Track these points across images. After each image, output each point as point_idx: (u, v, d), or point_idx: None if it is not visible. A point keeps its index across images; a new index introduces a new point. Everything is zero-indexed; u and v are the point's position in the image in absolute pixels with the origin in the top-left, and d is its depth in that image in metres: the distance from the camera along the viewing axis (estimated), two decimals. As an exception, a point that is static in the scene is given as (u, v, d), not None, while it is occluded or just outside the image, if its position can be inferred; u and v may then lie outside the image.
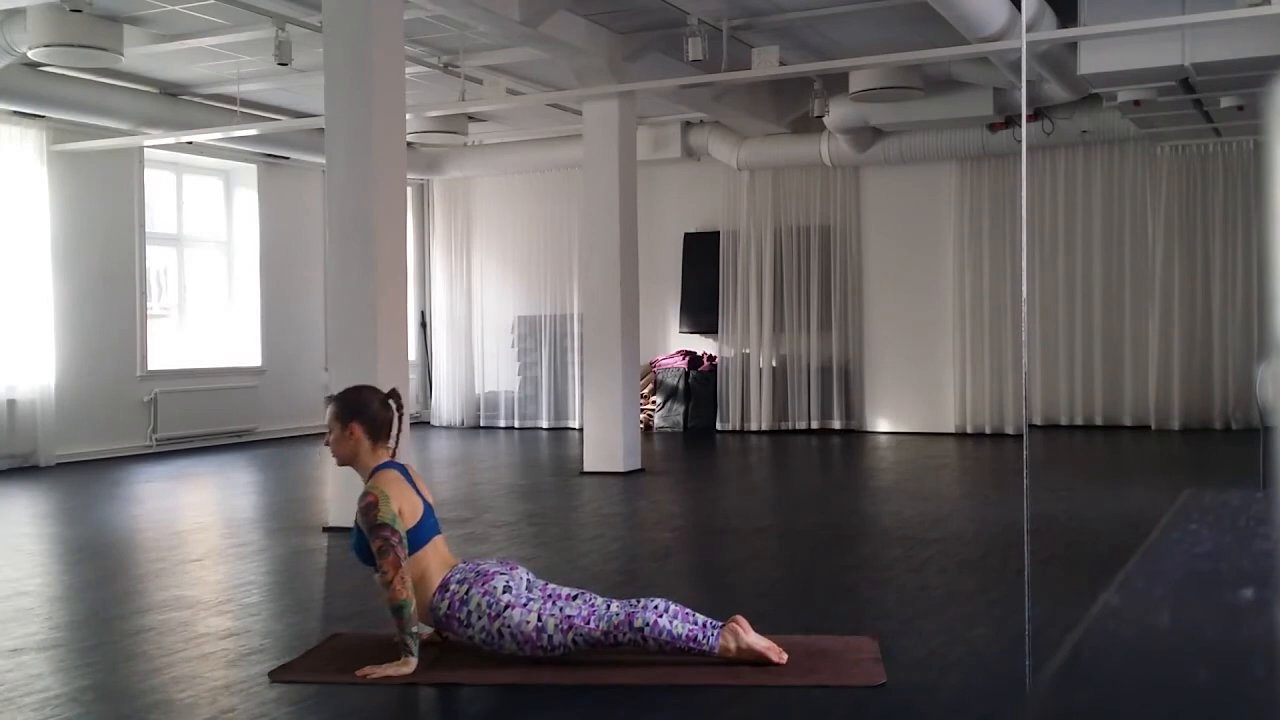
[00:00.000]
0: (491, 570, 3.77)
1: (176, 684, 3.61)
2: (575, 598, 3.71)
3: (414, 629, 3.67)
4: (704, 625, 3.63)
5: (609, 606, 3.65)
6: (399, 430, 3.99)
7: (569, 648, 3.62)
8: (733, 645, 3.60)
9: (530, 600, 3.68)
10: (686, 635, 3.59)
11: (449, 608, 3.71)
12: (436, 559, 3.81)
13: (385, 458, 3.90)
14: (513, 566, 3.84)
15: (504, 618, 3.65)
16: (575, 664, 3.66)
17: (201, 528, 6.71)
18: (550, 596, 3.71)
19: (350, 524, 3.86)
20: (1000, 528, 6.09)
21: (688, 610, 3.67)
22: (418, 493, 3.85)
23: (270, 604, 4.79)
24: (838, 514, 6.89)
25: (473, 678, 3.61)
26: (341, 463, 3.94)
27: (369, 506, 3.70)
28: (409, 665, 3.62)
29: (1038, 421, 11.06)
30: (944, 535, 5.90)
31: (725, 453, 10.43)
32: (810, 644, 3.81)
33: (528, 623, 3.63)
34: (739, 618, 3.67)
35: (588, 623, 3.61)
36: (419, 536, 3.77)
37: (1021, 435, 9.38)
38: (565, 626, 3.61)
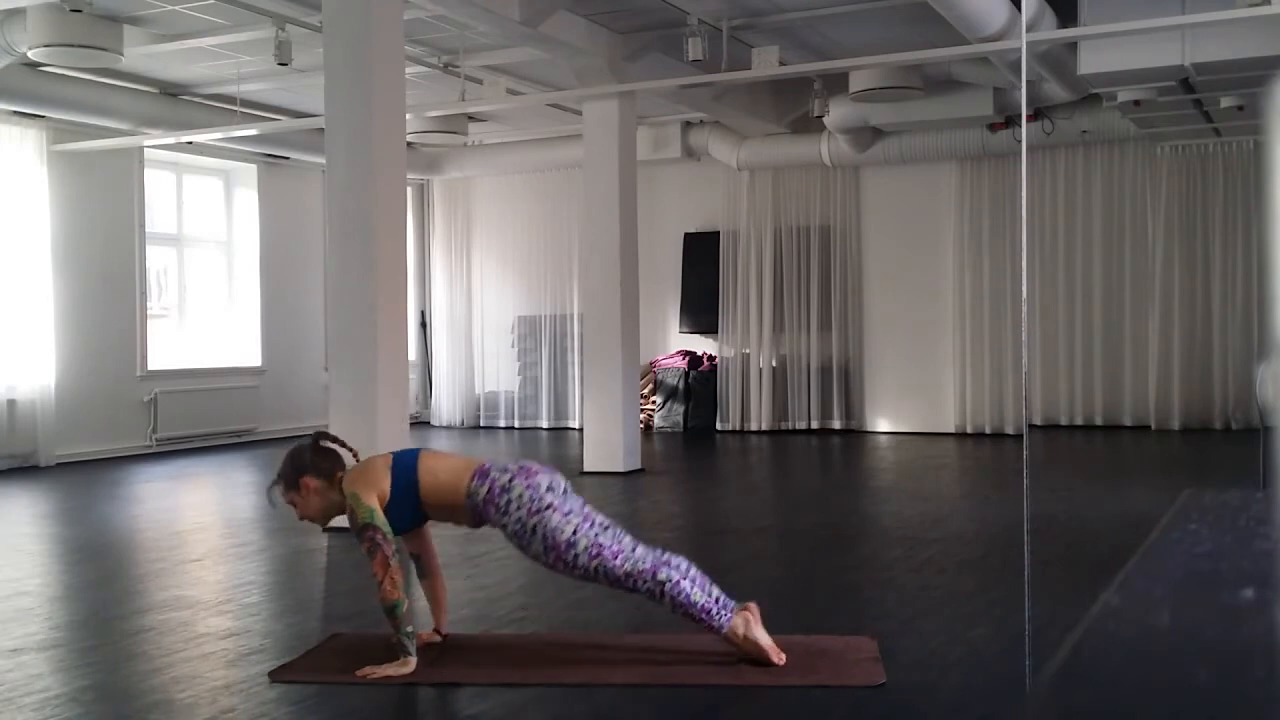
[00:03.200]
0: (535, 468, 3.75)
1: (176, 684, 3.61)
2: (608, 529, 3.69)
3: (409, 629, 3.66)
4: (719, 600, 3.63)
5: (635, 549, 3.64)
6: (352, 449, 3.94)
7: (589, 574, 3.61)
8: (741, 630, 3.61)
9: (571, 513, 3.66)
10: (702, 605, 3.59)
11: (489, 493, 3.68)
12: (441, 463, 3.79)
13: None
14: (553, 471, 3.81)
15: (543, 516, 3.63)
16: (575, 664, 3.66)
17: (201, 528, 6.71)
18: (588, 518, 3.68)
19: (348, 526, 3.83)
20: (1000, 528, 6.09)
21: (707, 578, 3.68)
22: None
23: (270, 604, 4.79)
24: (838, 514, 6.89)
25: (473, 677, 3.61)
26: (325, 519, 3.86)
27: (349, 514, 3.72)
28: (409, 665, 3.62)
29: (1038, 421, 11.06)
30: (944, 535, 5.90)
31: (725, 453, 10.42)
32: (810, 644, 3.81)
33: (562, 531, 3.61)
34: (752, 606, 3.68)
35: (615, 558, 3.60)
36: (402, 471, 3.73)
37: (1021, 435, 9.37)
38: (594, 551, 3.60)
